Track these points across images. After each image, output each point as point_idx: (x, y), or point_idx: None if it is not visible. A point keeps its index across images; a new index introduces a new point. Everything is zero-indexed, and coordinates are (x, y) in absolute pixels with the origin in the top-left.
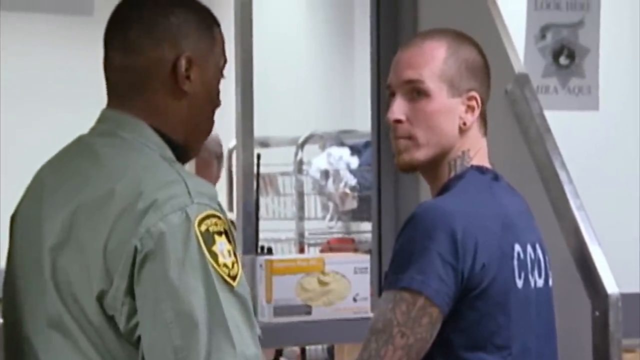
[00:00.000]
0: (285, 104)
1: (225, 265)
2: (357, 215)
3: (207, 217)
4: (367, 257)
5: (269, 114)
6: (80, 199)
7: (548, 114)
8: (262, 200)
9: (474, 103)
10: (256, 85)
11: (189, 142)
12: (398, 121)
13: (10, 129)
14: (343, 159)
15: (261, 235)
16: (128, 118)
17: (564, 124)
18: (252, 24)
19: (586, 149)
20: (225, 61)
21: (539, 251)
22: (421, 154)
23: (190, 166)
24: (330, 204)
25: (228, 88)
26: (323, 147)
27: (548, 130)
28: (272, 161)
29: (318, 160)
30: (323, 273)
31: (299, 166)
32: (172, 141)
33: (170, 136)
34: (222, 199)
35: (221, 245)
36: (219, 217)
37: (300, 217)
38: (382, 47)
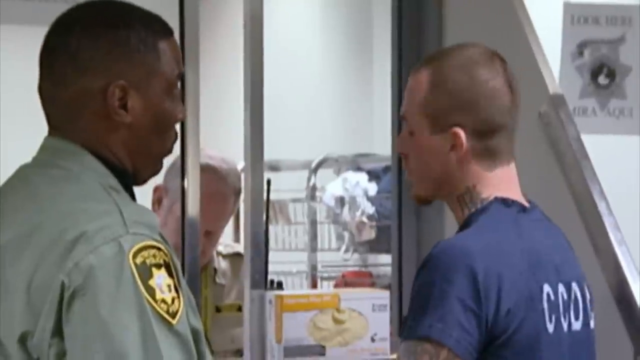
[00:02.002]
0: (298, 125)
1: (163, 300)
2: (375, 246)
3: (144, 248)
4: (387, 293)
5: (280, 135)
6: (8, 235)
7: (585, 138)
8: (271, 230)
9: (456, 140)
10: (266, 104)
11: (139, 168)
12: (402, 154)
13: (10, 143)
14: (360, 185)
15: (270, 268)
16: (67, 146)
17: (603, 149)
18: (263, 40)
19: (627, 177)
20: (179, 72)
21: (576, 290)
22: (420, 190)
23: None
24: (346, 234)
25: (237, 108)
26: (338, 172)
27: (586, 156)
28: (283, 187)
29: (333, 186)
30: (338, 310)
31: (312, 192)
32: (116, 168)
33: (114, 163)
34: (228, 227)
35: (159, 278)
36: (158, 248)
37: (313, 248)
38: (404, 63)
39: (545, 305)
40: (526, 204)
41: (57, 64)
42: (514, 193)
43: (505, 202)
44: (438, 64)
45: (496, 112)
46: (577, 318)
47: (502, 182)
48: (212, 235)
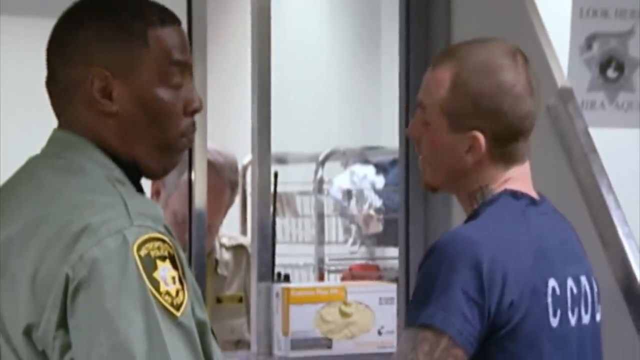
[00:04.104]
0: (305, 117)
1: (167, 293)
2: (382, 239)
3: (149, 240)
4: (394, 286)
5: (287, 127)
6: (13, 227)
7: (594, 132)
8: (278, 222)
9: (475, 144)
10: (274, 96)
11: (141, 161)
12: (414, 137)
13: (10, 135)
14: (367, 177)
15: (277, 261)
16: (72, 138)
17: (612, 143)
18: (270, 32)
19: (636, 171)
20: (179, 59)
21: (584, 284)
22: (432, 179)
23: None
24: (353, 227)
25: (244, 100)
26: (345, 165)
27: (594, 149)
28: (290, 179)
29: (340, 179)
30: (345, 303)
31: (319, 185)
32: (119, 160)
33: (116, 155)
34: (235, 220)
35: (164, 271)
36: (163, 241)
37: (320, 241)
38: (412, 56)
39: (550, 299)
40: (536, 197)
41: (49, 58)
42: (526, 187)
43: (515, 195)
44: (462, 63)
45: (518, 119)
46: (586, 312)
47: (513, 178)
48: (209, 229)
